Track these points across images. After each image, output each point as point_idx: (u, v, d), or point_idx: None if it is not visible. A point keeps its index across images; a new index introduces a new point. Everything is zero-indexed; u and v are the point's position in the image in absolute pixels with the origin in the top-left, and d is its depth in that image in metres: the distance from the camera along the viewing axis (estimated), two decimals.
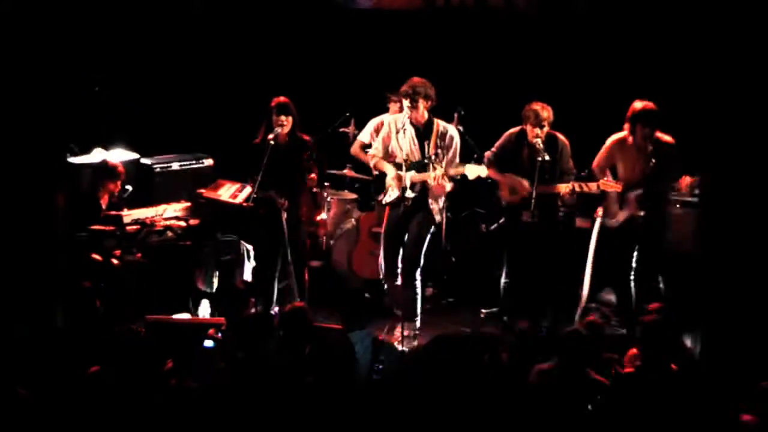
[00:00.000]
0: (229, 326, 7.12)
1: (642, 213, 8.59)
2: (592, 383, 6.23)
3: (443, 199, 8.52)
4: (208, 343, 6.88)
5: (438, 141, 8.38)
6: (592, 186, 8.56)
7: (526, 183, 8.62)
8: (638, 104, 8.53)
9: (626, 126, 8.61)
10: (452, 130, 8.54)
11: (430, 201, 8.46)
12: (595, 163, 8.82)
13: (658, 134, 8.54)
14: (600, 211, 8.79)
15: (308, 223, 8.75)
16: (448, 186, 8.39)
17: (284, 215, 8.45)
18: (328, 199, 10.19)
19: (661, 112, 8.53)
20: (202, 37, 10.96)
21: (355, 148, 8.87)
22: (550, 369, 6.31)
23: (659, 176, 8.56)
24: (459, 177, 8.36)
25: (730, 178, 7.38)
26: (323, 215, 10.08)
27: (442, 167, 8.22)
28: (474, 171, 8.29)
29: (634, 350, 6.73)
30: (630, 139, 8.60)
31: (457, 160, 8.45)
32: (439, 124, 8.46)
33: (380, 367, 7.03)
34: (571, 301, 8.94)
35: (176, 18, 10.89)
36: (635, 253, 8.67)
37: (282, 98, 8.59)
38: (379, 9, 11.18)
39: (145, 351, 6.18)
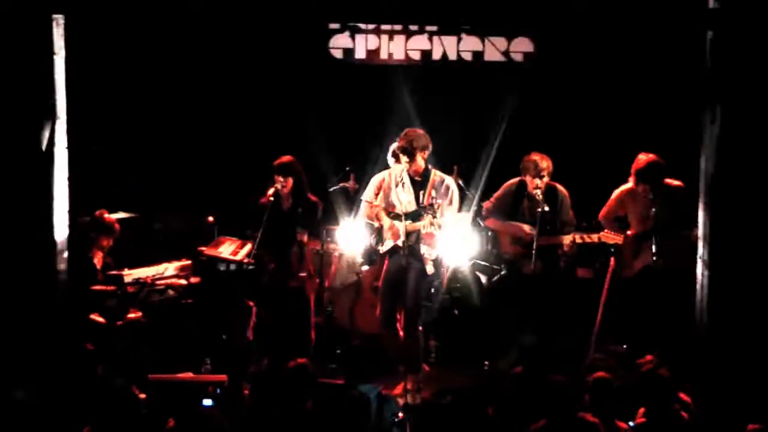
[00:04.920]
0: (231, 383, 7.08)
1: (657, 261, 8.55)
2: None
3: (437, 251, 8.53)
4: (207, 401, 6.83)
5: (434, 191, 8.41)
6: (594, 237, 8.56)
7: (527, 227, 8.63)
8: (642, 158, 8.55)
9: (631, 179, 8.63)
10: (449, 180, 8.59)
11: (423, 249, 8.46)
12: (601, 213, 8.82)
13: (667, 180, 8.56)
14: (613, 261, 8.75)
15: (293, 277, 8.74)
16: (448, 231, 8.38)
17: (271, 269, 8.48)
18: (332, 253, 10.16)
19: (666, 166, 8.54)
20: (201, 97, 11.03)
21: (368, 212, 8.88)
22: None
23: (670, 223, 8.53)
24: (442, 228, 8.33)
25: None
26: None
27: (434, 217, 8.23)
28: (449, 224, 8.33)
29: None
30: (638, 189, 8.62)
31: (454, 209, 8.46)
32: (436, 174, 8.51)
33: (396, 419, 6.99)
34: (574, 352, 8.89)
35: (171, 71, 10.97)
36: (651, 304, 8.63)
37: (285, 158, 8.60)
38: (377, 63, 11.24)
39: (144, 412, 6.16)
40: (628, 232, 8.71)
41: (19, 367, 7.76)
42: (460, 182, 9.45)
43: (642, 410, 6.63)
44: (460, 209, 8.63)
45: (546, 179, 8.61)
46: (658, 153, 8.66)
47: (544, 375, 6.47)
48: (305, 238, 8.65)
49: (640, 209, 8.69)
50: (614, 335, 9.13)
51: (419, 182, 8.52)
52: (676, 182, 8.65)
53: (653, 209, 8.54)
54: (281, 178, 8.53)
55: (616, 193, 8.82)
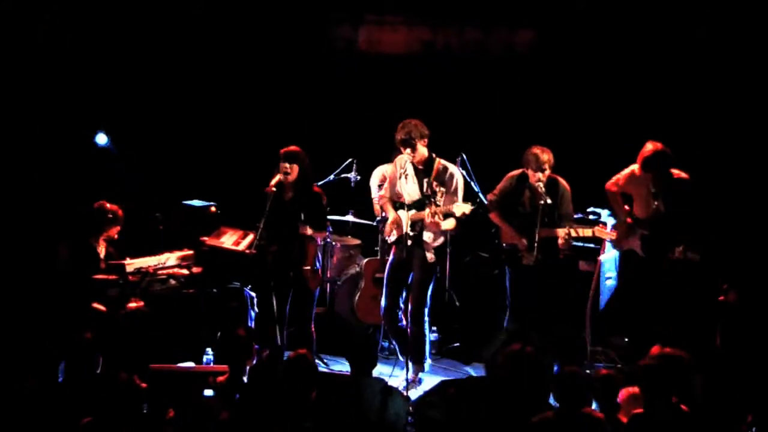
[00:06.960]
0: (233, 374, 7.07)
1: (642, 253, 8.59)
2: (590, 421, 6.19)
3: (441, 239, 8.54)
4: (208, 392, 6.82)
5: (437, 178, 8.41)
6: (587, 232, 8.55)
7: (524, 241, 8.60)
8: (649, 146, 8.52)
9: (637, 165, 8.61)
10: (453, 168, 8.59)
11: (425, 236, 8.47)
12: (611, 182, 8.80)
13: (673, 171, 8.54)
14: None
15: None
16: (445, 224, 8.39)
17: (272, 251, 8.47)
18: (333, 244, 10.16)
19: (672, 156, 8.51)
20: (204, 88, 11.04)
21: (376, 207, 8.93)
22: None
23: (669, 218, 8.53)
24: (457, 216, 8.33)
25: None
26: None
27: (438, 205, 8.23)
28: (460, 208, 8.29)
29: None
30: (641, 174, 8.60)
31: (459, 197, 8.45)
32: (440, 162, 8.51)
33: (411, 419, 6.99)
34: (574, 343, 8.92)
35: (176, 68, 10.98)
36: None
37: (292, 147, 8.58)
38: (380, 54, 11.23)
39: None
40: (626, 207, 8.79)
41: (21, 356, 7.78)
42: (464, 172, 9.42)
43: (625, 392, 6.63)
44: (465, 199, 8.60)
45: (547, 172, 8.57)
46: (661, 142, 8.62)
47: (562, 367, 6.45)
48: (308, 231, 8.61)
49: (639, 195, 8.68)
50: (615, 327, 9.15)
51: (423, 171, 8.53)
52: (683, 174, 8.60)
53: (655, 202, 8.53)
54: (287, 165, 8.48)
55: (627, 170, 8.77)
